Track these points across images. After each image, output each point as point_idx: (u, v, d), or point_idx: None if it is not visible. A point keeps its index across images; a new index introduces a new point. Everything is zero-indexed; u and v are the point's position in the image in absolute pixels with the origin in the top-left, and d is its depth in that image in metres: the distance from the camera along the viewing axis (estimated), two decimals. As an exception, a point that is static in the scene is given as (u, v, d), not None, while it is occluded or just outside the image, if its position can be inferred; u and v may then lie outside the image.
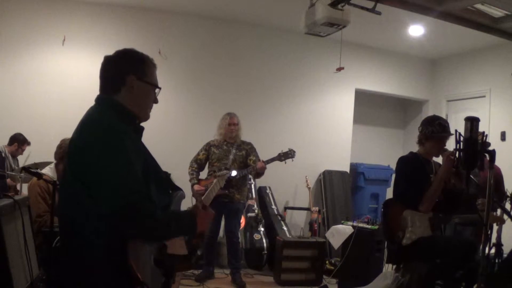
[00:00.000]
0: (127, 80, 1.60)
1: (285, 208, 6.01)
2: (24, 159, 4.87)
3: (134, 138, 1.59)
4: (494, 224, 3.46)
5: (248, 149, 4.60)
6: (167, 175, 1.75)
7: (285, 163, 4.46)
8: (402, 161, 3.31)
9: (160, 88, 1.70)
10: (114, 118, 1.54)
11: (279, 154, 4.44)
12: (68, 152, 1.58)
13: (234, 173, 4.35)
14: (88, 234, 1.43)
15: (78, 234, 1.45)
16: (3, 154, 4.84)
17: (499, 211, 3.77)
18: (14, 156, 5.00)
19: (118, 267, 1.41)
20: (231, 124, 4.58)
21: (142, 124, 1.70)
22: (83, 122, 1.56)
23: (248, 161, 4.52)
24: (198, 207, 1.66)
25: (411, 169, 3.19)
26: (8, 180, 4.54)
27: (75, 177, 1.47)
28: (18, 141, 4.91)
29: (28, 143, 4.96)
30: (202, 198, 1.99)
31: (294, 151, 4.44)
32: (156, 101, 1.71)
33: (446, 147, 3.25)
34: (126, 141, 1.48)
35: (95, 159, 1.43)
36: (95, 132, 1.49)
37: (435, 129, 3.16)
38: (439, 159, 3.31)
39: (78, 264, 1.47)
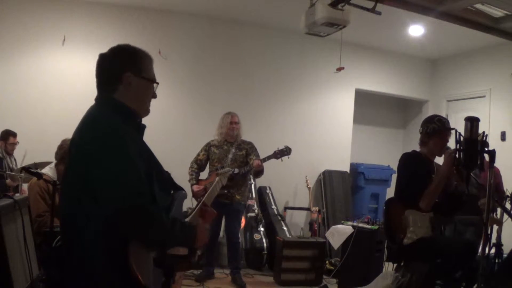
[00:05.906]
0: (123, 77, 1.57)
1: (285, 208, 6.01)
2: (22, 159, 4.86)
3: (136, 137, 1.57)
4: (494, 226, 3.46)
5: (248, 148, 4.58)
6: (168, 175, 1.73)
7: (281, 160, 4.44)
8: (405, 157, 3.27)
9: (157, 83, 1.67)
10: (115, 118, 1.51)
11: (275, 152, 4.41)
12: (69, 153, 1.55)
13: (236, 170, 4.35)
14: (89, 235, 1.41)
15: (80, 235, 1.44)
16: (0, 155, 4.83)
17: (499, 212, 3.78)
18: (9, 154, 4.95)
19: (119, 269, 1.40)
20: (232, 122, 4.57)
21: (144, 122, 1.68)
22: (83, 123, 1.54)
23: (249, 160, 4.50)
24: (200, 221, 1.64)
25: (414, 165, 3.17)
26: (8, 181, 4.53)
27: (77, 178, 1.45)
28: (2, 138, 4.92)
29: (14, 135, 4.93)
30: (205, 197, 1.99)
31: (289, 148, 4.40)
32: (154, 96, 1.68)
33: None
34: (127, 140, 1.46)
35: (97, 160, 1.41)
36: (96, 133, 1.46)
37: (435, 125, 3.15)
38: (440, 161, 3.30)
39: (79, 265, 1.45)
